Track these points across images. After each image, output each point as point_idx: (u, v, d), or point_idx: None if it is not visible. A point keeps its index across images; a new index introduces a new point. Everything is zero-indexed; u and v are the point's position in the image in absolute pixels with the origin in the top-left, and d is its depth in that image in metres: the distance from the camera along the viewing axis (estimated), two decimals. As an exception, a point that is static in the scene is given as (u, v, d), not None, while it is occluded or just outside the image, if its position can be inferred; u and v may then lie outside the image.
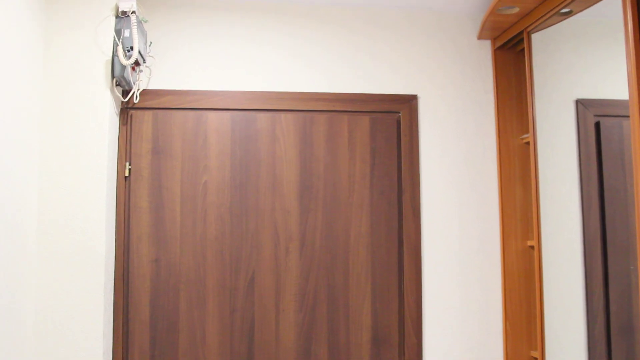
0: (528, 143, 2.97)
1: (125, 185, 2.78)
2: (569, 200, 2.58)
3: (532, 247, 2.94)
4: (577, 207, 2.53)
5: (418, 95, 3.02)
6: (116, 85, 2.67)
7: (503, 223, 2.95)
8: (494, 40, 3.07)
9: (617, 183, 2.34)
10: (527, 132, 2.98)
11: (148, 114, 2.83)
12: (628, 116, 2.27)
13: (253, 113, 2.89)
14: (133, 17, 2.55)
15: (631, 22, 2.01)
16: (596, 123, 2.48)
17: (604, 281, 2.38)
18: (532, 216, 2.95)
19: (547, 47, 2.74)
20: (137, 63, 2.68)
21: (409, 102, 2.99)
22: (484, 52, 3.10)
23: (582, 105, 2.56)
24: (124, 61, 2.52)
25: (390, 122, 2.96)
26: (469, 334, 2.94)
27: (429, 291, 2.93)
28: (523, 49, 3.01)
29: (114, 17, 2.60)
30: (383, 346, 2.84)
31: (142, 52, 2.66)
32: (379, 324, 2.86)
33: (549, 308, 2.65)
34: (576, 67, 2.61)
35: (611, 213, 2.37)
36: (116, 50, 2.56)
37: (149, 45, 2.86)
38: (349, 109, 2.94)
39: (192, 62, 2.91)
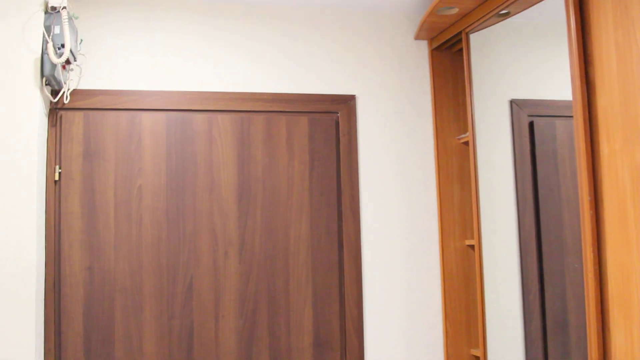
0: (465, 143, 3.08)
1: (55, 189, 2.74)
2: (505, 199, 2.68)
3: (470, 246, 3.04)
4: (513, 206, 2.64)
5: (356, 96, 3.09)
6: (45, 84, 2.63)
7: (442, 223, 3.05)
8: (431, 40, 3.17)
9: (550, 182, 2.45)
10: (464, 132, 3.09)
11: (79, 115, 2.80)
12: (561, 116, 2.38)
13: (189, 114, 2.89)
14: (64, 13, 2.51)
15: (574, 24, 2.11)
16: (530, 123, 2.58)
17: (539, 279, 2.49)
18: (471, 215, 3.06)
19: (483, 47, 2.84)
20: (67, 61, 2.64)
21: (347, 103, 3.05)
22: (421, 52, 3.19)
23: (516, 105, 2.67)
24: (55, 59, 2.48)
25: (328, 123, 3.02)
26: (410, 335, 3.02)
27: (369, 293, 2.99)
28: (460, 50, 3.12)
29: (43, 13, 2.55)
30: (325, 350, 2.90)
31: (73, 50, 2.62)
32: (321, 327, 2.91)
33: (488, 306, 2.75)
34: (511, 67, 2.72)
35: (545, 212, 2.47)
36: (46, 48, 2.52)
37: (80, 43, 2.82)
38: (287, 109, 2.98)
39: (125, 60, 2.89)
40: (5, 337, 2.41)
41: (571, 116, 2.16)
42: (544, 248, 2.48)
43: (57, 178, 2.75)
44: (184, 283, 2.81)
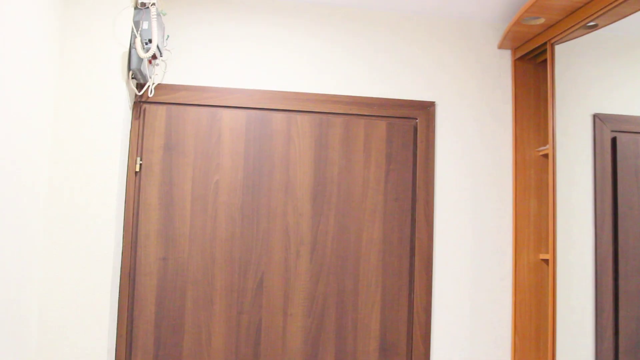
0: (544, 155, 3.10)
1: (135, 180, 2.89)
2: (583, 215, 2.69)
3: (544, 260, 3.06)
4: (591, 222, 2.65)
5: (436, 102, 3.14)
6: (131, 78, 2.76)
7: (516, 235, 3.07)
8: (514, 50, 3.20)
9: (631, 199, 2.46)
10: (544, 144, 3.11)
11: (162, 109, 2.93)
12: None
13: (268, 113, 3.00)
14: (153, 9, 2.62)
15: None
16: (613, 138, 2.59)
17: (614, 298, 2.49)
18: (546, 229, 3.07)
19: (568, 59, 2.85)
20: (154, 56, 2.76)
21: (426, 109, 3.11)
22: (504, 61, 3.23)
23: (599, 119, 2.67)
24: (142, 54, 2.60)
25: (407, 128, 3.08)
26: (477, 346, 3.06)
27: (438, 301, 3.04)
28: (543, 61, 3.14)
29: (133, 9, 2.68)
30: (391, 355, 2.97)
31: (160, 45, 2.74)
32: (387, 332, 2.98)
33: (559, 323, 2.75)
34: (596, 81, 2.73)
35: (624, 230, 2.48)
36: (134, 42, 2.65)
37: (166, 39, 2.96)
38: (366, 113, 3.06)
39: (208, 58, 3.01)
40: (81, 320, 2.54)
41: None
42: (621, 267, 2.48)
43: (137, 169, 2.89)
44: (255, 279, 2.91)
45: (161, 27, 2.77)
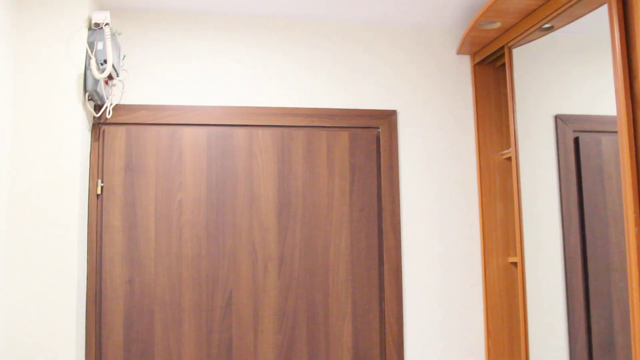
0: (508, 159, 3.11)
1: (97, 203, 2.85)
2: (549, 216, 2.70)
3: (513, 263, 3.06)
4: (558, 223, 2.65)
5: (397, 111, 3.15)
6: (88, 99, 2.73)
7: (484, 239, 3.08)
8: (473, 55, 3.22)
9: (596, 199, 2.45)
10: (507, 147, 3.12)
11: (121, 130, 2.90)
12: (606, 132, 2.38)
13: (230, 129, 2.98)
14: (107, 29, 2.62)
15: (618, 38, 2.14)
16: (575, 138, 2.59)
17: (585, 298, 2.49)
18: (513, 232, 3.08)
19: (526, 62, 2.87)
20: (110, 77, 2.74)
21: (388, 118, 3.11)
22: (464, 67, 3.24)
23: (560, 120, 2.68)
24: (97, 75, 2.58)
25: (369, 138, 3.08)
26: (451, 353, 3.04)
27: (410, 309, 3.03)
28: (502, 65, 3.16)
29: (87, 29, 2.66)
30: (364, 366, 2.94)
31: (116, 66, 2.73)
32: (360, 344, 2.96)
33: (531, 325, 2.76)
34: (555, 82, 2.74)
35: (591, 229, 2.48)
36: (89, 64, 2.62)
37: (123, 59, 2.93)
38: (328, 125, 3.05)
39: (167, 76, 2.99)
40: (47, 348, 2.49)
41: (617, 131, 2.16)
42: (590, 266, 2.48)
43: (99, 192, 2.85)
44: (223, 297, 2.87)
45: (117, 47, 2.75)
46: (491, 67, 3.20)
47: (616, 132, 2.18)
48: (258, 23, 3.09)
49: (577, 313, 2.53)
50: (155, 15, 3.01)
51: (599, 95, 2.44)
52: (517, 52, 2.89)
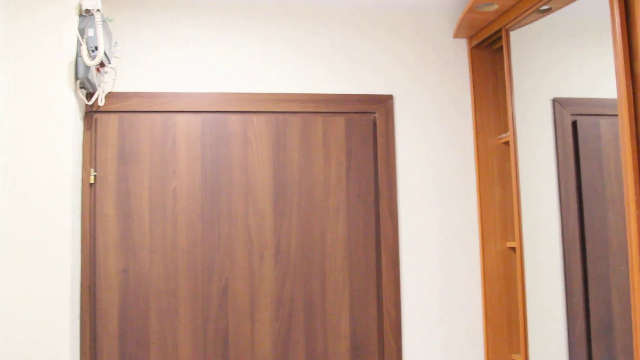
0: (506, 143, 3.08)
1: (90, 192, 2.82)
2: (547, 200, 2.68)
3: (511, 248, 3.04)
4: (556, 207, 2.64)
5: (394, 95, 3.12)
6: (80, 87, 2.70)
7: (482, 224, 3.06)
8: (470, 38, 3.18)
9: (595, 182, 2.44)
10: (505, 131, 3.09)
11: (114, 118, 2.87)
12: (605, 115, 2.37)
13: (224, 115, 2.95)
14: (97, 16, 2.57)
15: (618, 18, 2.10)
16: (573, 122, 2.57)
17: (584, 281, 2.48)
18: (512, 217, 3.05)
19: (524, 45, 2.84)
20: (102, 64, 2.71)
21: (384, 103, 3.08)
22: (460, 50, 3.21)
23: (558, 104, 2.66)
24: (88, 62, 2.54)
25: (365, 123, 3.05)
26: (449, 339, 3.03)
27: (407, 296, 3.01)
28: (499, 48, 3.13)
29: (78, 16, 2.62)
30: (362, 354, 2.93)
31: (107, 53, 2.69)
32: (358, 331, 2.94)
33: (530, 310, 2.74)
34: (553, 65, 2.71)
35: (590, 213, 2.46)
36: (80, 51, 2.58)
37: (115, 46, 2.90)
38: (323, 110, 3.02)
39: (160, 63, 2.96)
40: (41, 339, 2.47)
41: (616, 115, 2.13)
42: (588, 250, 2.47)
43: (92, 181, 2.82)
44: (219, 286, 2.85)
45: (108, 33, 2.71)
46: (488, 51, 3.17)
47: (615, 115, 2.15)
48: (253, 9, 3.06)
49: (575, 297, 2.52)
50: (148, 1, 2.97)
51: (597, 78, 2.42)
52: (514, 35, 2.86)
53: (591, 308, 2.45)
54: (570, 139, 2.58)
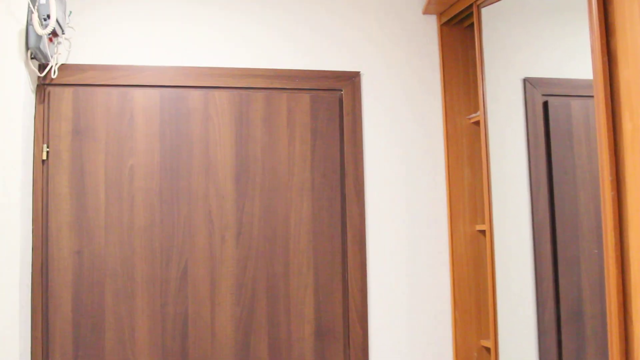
0: (476, 123, 3.03)
1: (42, 169, 2.70)
2: (518, 182, 2.64)
3: (481, 231, 3.00)
4: (526, 189, 2.59)
5: (361, 72, 3.04)
6: (31, 58, 2.57)
7: (451, 207, 3.01)
8: (439, 15, 3.12)
9: (565, 164, 2.40)
10: (474, 111, 3.04)
11: (68, 91, 2.75)
12: (577, 96, 2.33)
13: (184, 90, 2.84)
14: (50, -18, 2.45)
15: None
16: (544, 102, 2.53)
17: (554, 266, 2.45)
18: (481, 199, 3.02)
19: (495, 22, 2.78)
20: (54, 34, 2.59)
21: (351, 80, 3.00)
22: (430, 27, 3.14)
23: (529, 84, 2.62)
24: (40, 30, 2.43)
25: (331, 101, 2.97)
26: (416, 324, 2.98)
27: (374, 280, 2.95)
28: (470, 25, 3.06)
29: (29, -17, 2.49)
30: (327, 339, 2.86)
31: (61, 22, 2.57)
32: (322, 315, 2.87)
33: (499, 295, 2.71)
34: (525, 44, 2.66)
35: (560, 195, 2.43)
36: (31, 19, 2.46)
37: (69, 15, 2.77)
38: (288, 87, 2.94)
39: (116, 35, 2.84)
40: (-10, 324, 2.36)
41: (588, 96, 2.10)
42: (559, 233, 2.43)
43: (44, 157, 2.70)
44: (178, 269, 2.76)
45: (61, 1, 2.59)
46: (459, 28, 3.10)
47: (587, 96, 2.11)
48: None
49: (545, 282, 2.48)
50: None
51: (569, 59, 2.38)
52: (486, 12, 2.79)
53: (561, 293, 2.42)
54: (541, 120, 2.54)
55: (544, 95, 2.54)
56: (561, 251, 2.42)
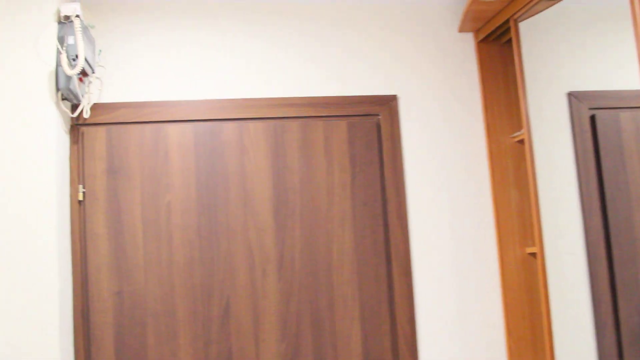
0: (520, 141, 2.96)
1: (79, 210, 2.68)
2: (568, 201, 2.56)
3: (532, 254, 2.91)
4: (577, 207, 2.51)
5: (398, 96, 3.00)
6: (63, 99, 2.57)
7: (499, 230, 2.93)
8: (476, 32, 3.07)
9: (618, 179, 2.33)
10: (518, 129, 2.97)
11: (101, 130, 2.74)
12: (626, 108, 2.27)
13: (218, 123, 2.82)
14: (77, 22, 2.44)
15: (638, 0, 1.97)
16: (591, 116, 2.46)
17: (611, 288, 2.35)
18: (530, 220, 2.93)
19: (534, 36, 2.73)
20: (84, 73, 2.57)
21: (388, 103, 2.95)
22: (467, 45, 3.09)
23: (574, 98, 2.55)
24: (69, 71, 2.41)
25: (369, 126, 2.92)
26: (470, 354, 2.90)
27: (422, 308, 2.88)
28: (508, 40, 3.01)
29: (57, 23, 2.49)
30: (376, 373, 2.79)
31: (90, 61, 2.56)
32: (370, 348, 2.79)
33: (555, 320, 2.63)
34: (567, 57, 2.59)
35: (614, 212, 2.34)
36: (60, 60, 2.45)
37: (98, 54, 2.77)
38: (324, 114, 2.90)
39: (148, 70, 2.84)
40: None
41: (638, 107, 2.07)
42: (615, 253, 2.34)
43: (81, 198, 2.69)
44: (220, 305, 2.71)
45: (90, 41, 2.58)
46: (497, 44, 3.04)
47: (637, 107, 2.07)
48: (242, 9, 2.94)
49: (603, 304, 2.38)
50: (132, 6, 2.85)
51: (615, 69, 2.30)
52: (524, 26, 2.74)
53: (621, 316, 2.32)
54: (589, 135, 2.46)
55: (590, 108, 2.47)
56: (619, 272, 2.32)
